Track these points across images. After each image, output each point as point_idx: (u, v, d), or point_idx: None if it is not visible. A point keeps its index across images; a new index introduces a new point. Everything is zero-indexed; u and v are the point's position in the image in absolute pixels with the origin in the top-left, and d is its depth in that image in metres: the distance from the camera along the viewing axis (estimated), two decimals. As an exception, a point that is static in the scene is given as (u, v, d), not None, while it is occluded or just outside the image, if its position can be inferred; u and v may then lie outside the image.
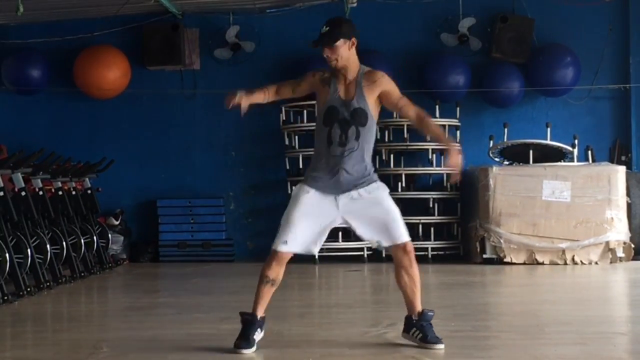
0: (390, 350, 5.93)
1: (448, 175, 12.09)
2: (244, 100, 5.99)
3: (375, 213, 5.93)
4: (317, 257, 11.38)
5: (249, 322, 5.94)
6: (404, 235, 5.93)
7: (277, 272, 5.93)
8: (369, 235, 6.01)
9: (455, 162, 5.97)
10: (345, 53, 5.87)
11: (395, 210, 5.98)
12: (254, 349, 5.89)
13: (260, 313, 5.99)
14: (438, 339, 5.96)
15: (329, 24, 5.91)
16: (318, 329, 6.85)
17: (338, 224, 6.03)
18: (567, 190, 11.14)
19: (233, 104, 5.96)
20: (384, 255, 11.79)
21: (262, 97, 6.10)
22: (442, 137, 6.20)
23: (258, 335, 5.97)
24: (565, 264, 11.05)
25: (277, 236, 5.93)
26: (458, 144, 6.06)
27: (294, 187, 6.02)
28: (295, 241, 5.89)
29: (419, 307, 6.02)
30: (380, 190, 5.97)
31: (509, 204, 11.18)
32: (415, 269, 5.96)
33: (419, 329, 5.99)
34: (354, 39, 5.90)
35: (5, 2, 10.40)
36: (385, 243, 5.96)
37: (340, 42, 5.85)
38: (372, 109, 5.96)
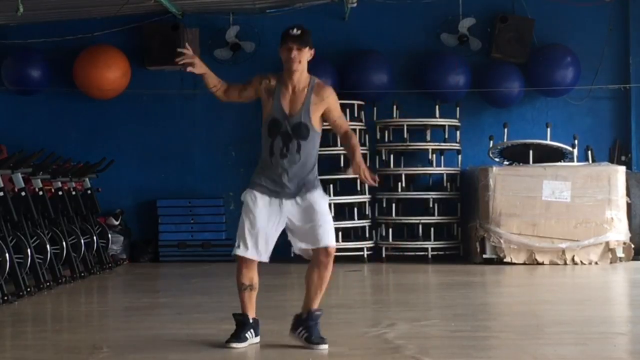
0: (390, 350, 5.94)
1: (448, 175, 12.09)
2: (199, 68, 6.14)
3: (308, 215, 6.04)
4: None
5: (241, 323, 6.13)
6: (328, 239, 6.03)
7: (249, 276, 6.12)
8: (299, 238, 6.11)
9: (356, 170, 6.00)
10: (305, 60, 6.04)
11: (326, 216, 6.07)
12: (244, 344, 6.07)
13: (250, 315, 6.17)
14: (322, 339, 6.04)
15: (300, 28, 6.06)
16: (318, 329, 6.83)
17: (283, 226, 6.16)
18: (567, 190, 11.14)
19: (186, 60, 6.12)
20: (384, 255, 11.80)
21: (215, 82, 6.23)
22: (354, 153, 6.04)
23: (251, 337, 6.15)
24: (565, 264, 11.04)
25: (235, 242, 6.13)
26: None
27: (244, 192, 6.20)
28: (250, 244, 6.07)
29: (313, 307, 6.11)
30: (316, 195, 6.07)
31: (509, 204, 11.18)
32: (328, 272, 6.10)
33: (305, 328, 6.08)
34: (313, 51, 6.10)
35: (5, 2, 10.40)
36: (310, 246, 6.06)
37: (306, 49, 6.03)
38: (316, 123, 6.09)
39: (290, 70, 6.03)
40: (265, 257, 6.15)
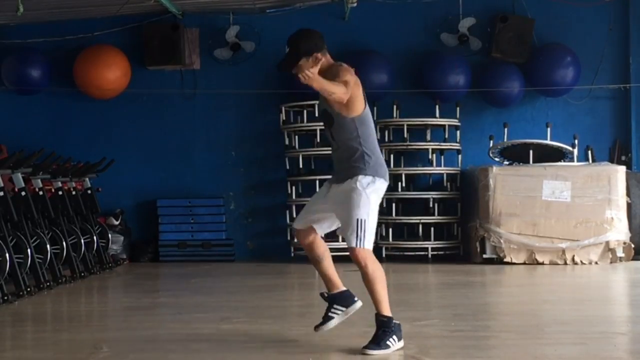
0: (390, 350, 5.93)
1: (448, 175, 12.09)
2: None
3: (340, 201, 5.91)
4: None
5: (327, 302, 6.12)
6: (353, 240, 5.81)
7: (309, 248, 6.10)
8: (339, 227, 6.05)
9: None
10: (311, 68, 5.68)
11: (355, 210, 5.81)
12: (330, 325, 6.07)
13: (332, 289, 6.12)
14: (376, 345, 5.85)
15: (289, 43, 5.86)
16: (318, 329, 6.84)
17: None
18: (567, 190, 11.14)
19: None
20: (384, 255, 11.80)
21: None
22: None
23: (337, 313, 6.10)
24: (565, 264, 11.05)
25: None
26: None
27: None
28: (300, 218, 6.15)
29: (378, 310, 5.98)
30: (353, 182, 5.85)
31: (509, 204, 11.18)
32: (368, 273, 5.84)
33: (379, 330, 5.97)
34: (316, 55, 5.81)
35: (5, 2, 10.40)
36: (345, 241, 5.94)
37: (302, 61, 5.80)
38: (337, 106, 5.84)
39: None
40: (302, 225, 6.10)
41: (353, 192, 5.83)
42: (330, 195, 6.00)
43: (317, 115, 6.19)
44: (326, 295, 6.12)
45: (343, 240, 6.08)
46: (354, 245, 5.80)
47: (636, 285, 9.90)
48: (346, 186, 5.88)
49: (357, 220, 5.80)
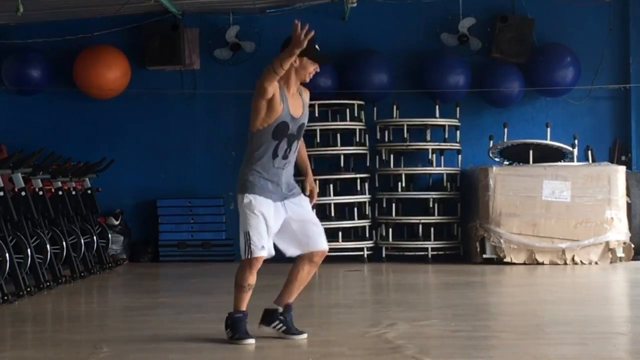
0: (390, 350, 5.94)
1: (448, 175, 12.09)
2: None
3: (304, 213, 6.20)
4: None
5: (240, 319, 6.17)
6: (326, 242, 6.26)
7: (255, 277, 6.21)
8: (294, 242, 6.22)
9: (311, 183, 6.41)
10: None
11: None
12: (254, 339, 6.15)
13: (245, 310, 6.25)
14: (300, 330, 6.28)
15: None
16: (318, 329, 6.84)
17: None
18: (567, 190, 11.14)
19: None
20: (384, 255, 11.80)
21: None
22: (309, 167, 6.52)
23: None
24: (565, 264, 11.04)
25: (252, 244, 6.11)
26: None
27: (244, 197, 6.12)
28: (268, 244, 6.14)
29: (289, 301, 6.29)
30: (304, 198, 6.27)
31: (509, 204, 11.18)
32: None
33: (282, 322, 6.25)
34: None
35: (5, 2, 10.40)
36: (307, 249, 6.17)
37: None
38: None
39: (303, 80, 6.14)
40: (268, 253, 6.24)
41: (308, 202, 6.27)
42: (292, 213, 6.15)
43: (282, 127, 6.15)
44: (246, 313, 6.22)
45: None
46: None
47: (636, 285, 9.90)
48: (302, 196, 6.23)
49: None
